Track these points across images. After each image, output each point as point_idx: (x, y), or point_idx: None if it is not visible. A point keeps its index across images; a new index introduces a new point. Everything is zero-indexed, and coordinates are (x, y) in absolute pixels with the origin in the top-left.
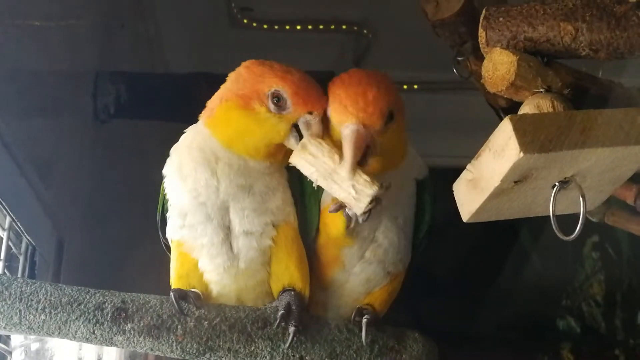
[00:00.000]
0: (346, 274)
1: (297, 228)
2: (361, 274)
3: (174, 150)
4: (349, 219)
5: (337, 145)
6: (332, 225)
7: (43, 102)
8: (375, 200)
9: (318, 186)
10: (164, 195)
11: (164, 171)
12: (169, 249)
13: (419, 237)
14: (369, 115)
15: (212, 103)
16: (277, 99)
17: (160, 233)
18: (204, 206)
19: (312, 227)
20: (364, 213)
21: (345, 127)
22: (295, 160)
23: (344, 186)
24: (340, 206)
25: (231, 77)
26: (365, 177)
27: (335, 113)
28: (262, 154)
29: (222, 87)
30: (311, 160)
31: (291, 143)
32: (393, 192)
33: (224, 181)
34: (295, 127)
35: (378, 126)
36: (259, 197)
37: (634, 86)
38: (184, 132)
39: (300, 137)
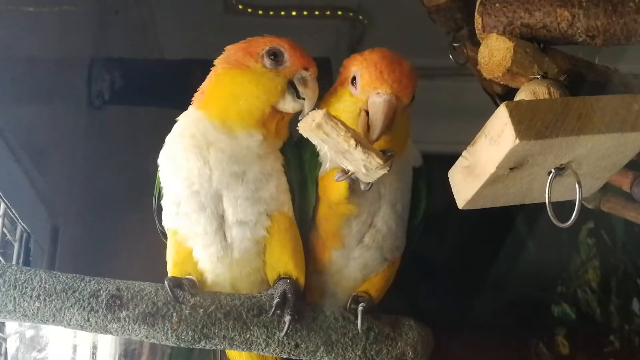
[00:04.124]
0: (345, 258)
1: (292, 217)
2: (360, 258)
3: (168, 139)
4: (351, 181)
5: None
6: (335, 188)
7: (37, 88)
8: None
9: (315, 163)
10: (159, 183)
11: (159, 160)
12: (165, 236)
13: (414, 224)
14: (403, 88)
15: (202, 86)
16: (275, 55)
17: (156, 220)
18: (197, 195)
19: (310, 208)
20: (369, 183)
21: (378, 94)
22: (307, 134)
23: (355, 163)
24: (345, 174)
25: (218, 59)
26: (377, 156)
27: (369, 77)
28: (255, 119)
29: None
30: (324, 139)
31: (287, 101)
32: (393, 179)
33: (217, 169)
34: (291, 84)
35: (406, 102)
36: (253, 184)
37: (631, 72)
38: (177, 120)
39: (297, 94)
